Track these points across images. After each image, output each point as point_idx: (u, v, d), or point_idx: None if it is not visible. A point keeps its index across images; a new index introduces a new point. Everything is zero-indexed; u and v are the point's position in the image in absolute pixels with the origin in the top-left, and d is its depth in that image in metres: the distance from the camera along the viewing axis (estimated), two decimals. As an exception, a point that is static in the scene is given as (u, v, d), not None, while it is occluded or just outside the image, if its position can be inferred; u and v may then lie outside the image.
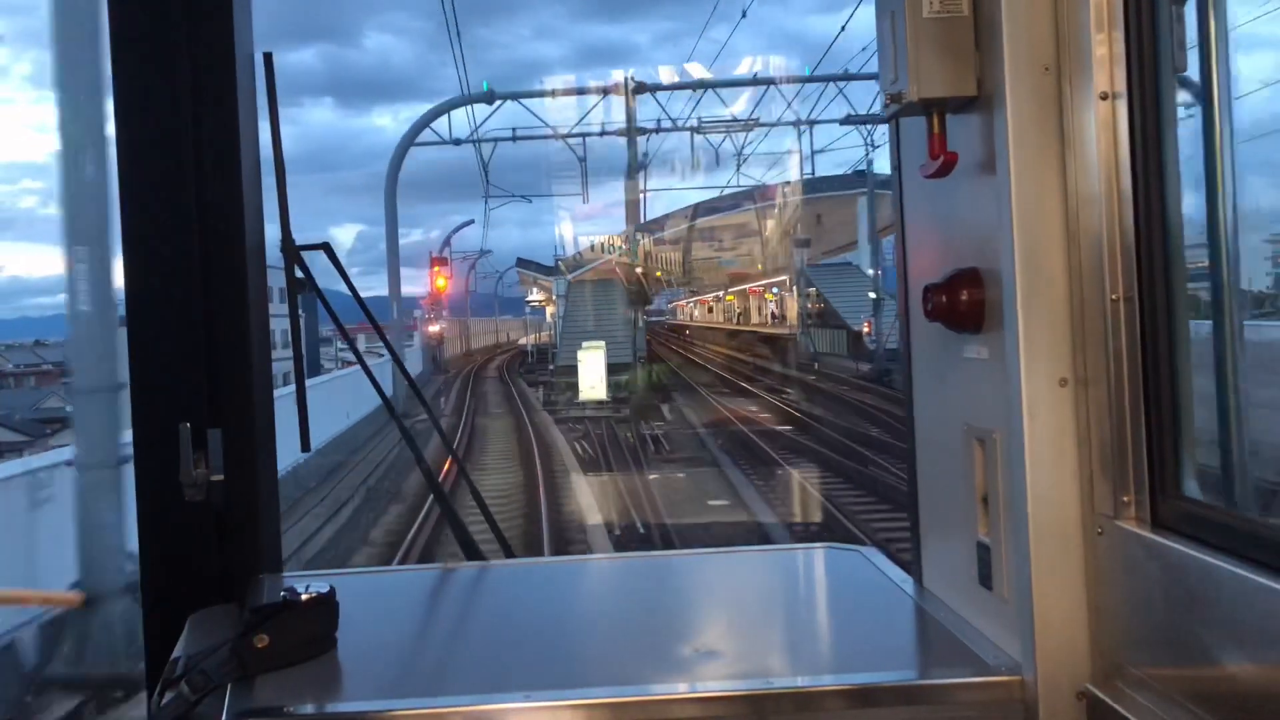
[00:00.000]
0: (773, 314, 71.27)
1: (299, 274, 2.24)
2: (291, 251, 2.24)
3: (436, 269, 58.31)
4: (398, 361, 2.91)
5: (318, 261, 2.29)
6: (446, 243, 65.46)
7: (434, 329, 58.36)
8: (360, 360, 2.79)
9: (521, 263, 60.33)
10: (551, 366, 41.19)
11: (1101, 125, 1.50)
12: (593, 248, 48.97)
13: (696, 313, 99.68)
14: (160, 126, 2.13)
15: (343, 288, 2.51)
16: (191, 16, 2.13)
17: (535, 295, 67.53)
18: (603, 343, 34.99)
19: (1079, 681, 1.54)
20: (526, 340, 67.68)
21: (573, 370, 34.84)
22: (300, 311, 2.34)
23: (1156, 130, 1.47)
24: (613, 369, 34.19)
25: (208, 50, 2.14)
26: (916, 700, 1.64)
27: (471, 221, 66.48)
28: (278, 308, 2.50)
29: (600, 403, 32.65)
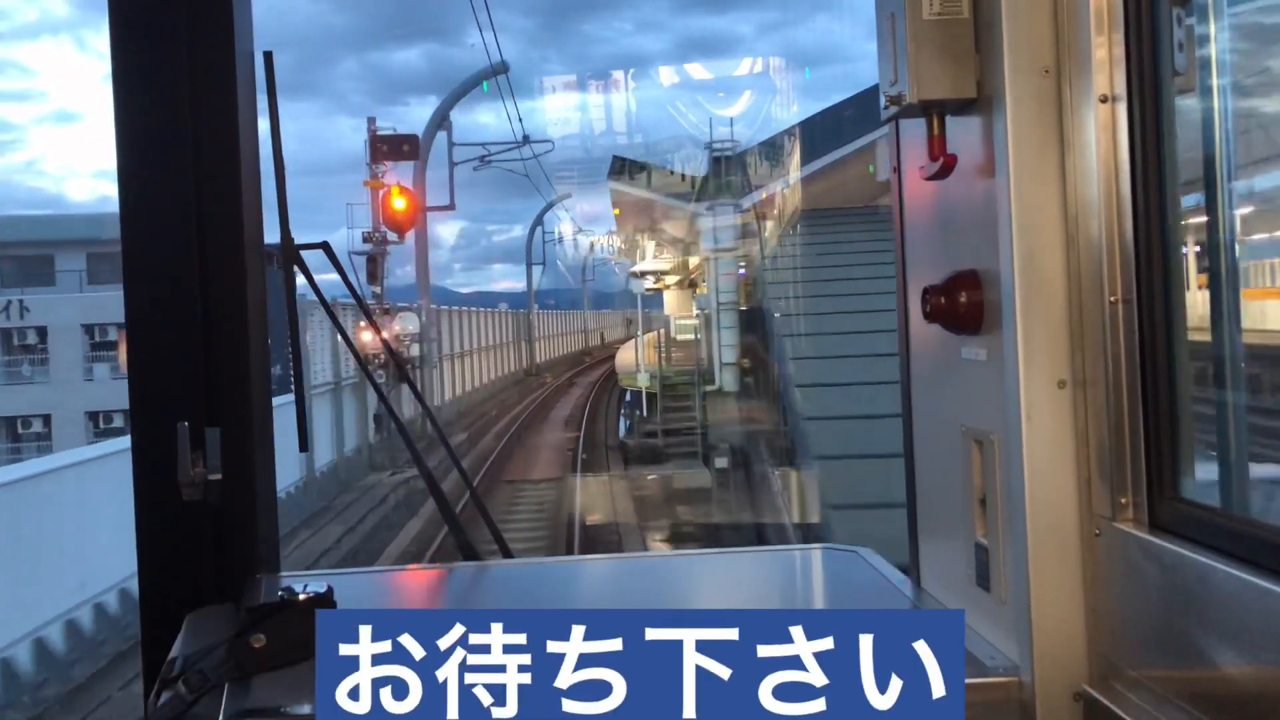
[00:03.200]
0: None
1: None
2: (290, 251, 2.24)
3: (389, 181, 24.81)
4: (401, 367, 2.90)
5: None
6: (440, 122, 27.04)
7: (374, 335, 21.09)
8: (362, 365, 2.78)
9: (620, 171, 24.59)
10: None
11: (1101, 128, 1.50)
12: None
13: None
14: (160, 124, 2.13)
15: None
16: (192, 15, 2.13)
17: (649, 261, 29.23)
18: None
19: (1076, 683, 1.54)
20: (631, 368, 26.16)
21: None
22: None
23: (1156, 133, 1.47)
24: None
25: (208, 48, 2.14)
26: None
27: (504, 68, 25.22)
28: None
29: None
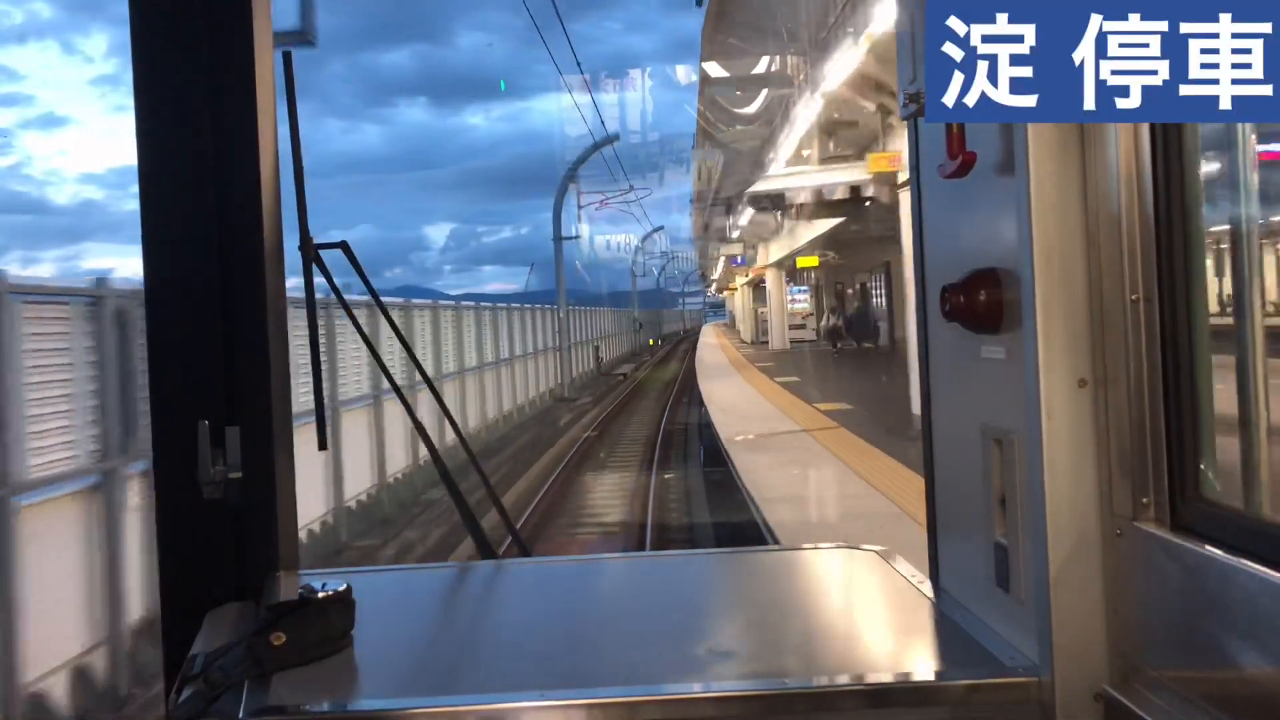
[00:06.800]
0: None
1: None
2: (309, 251, 2.25)
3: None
4: (423, 374, 2.91)
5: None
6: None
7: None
8: (383, 369, 2.79)
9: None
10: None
11: (1122, 123, 1.49)
12: None
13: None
14: (180, 125, 2.15)
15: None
16: (211, 15, 2.14)
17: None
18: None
19: (1096, 683, 1.53)
20: None
21: None
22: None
23: (1177, 128, 1.46)
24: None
25: (228, 49, 2.15)
26: (933, 701, 1.63)
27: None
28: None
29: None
